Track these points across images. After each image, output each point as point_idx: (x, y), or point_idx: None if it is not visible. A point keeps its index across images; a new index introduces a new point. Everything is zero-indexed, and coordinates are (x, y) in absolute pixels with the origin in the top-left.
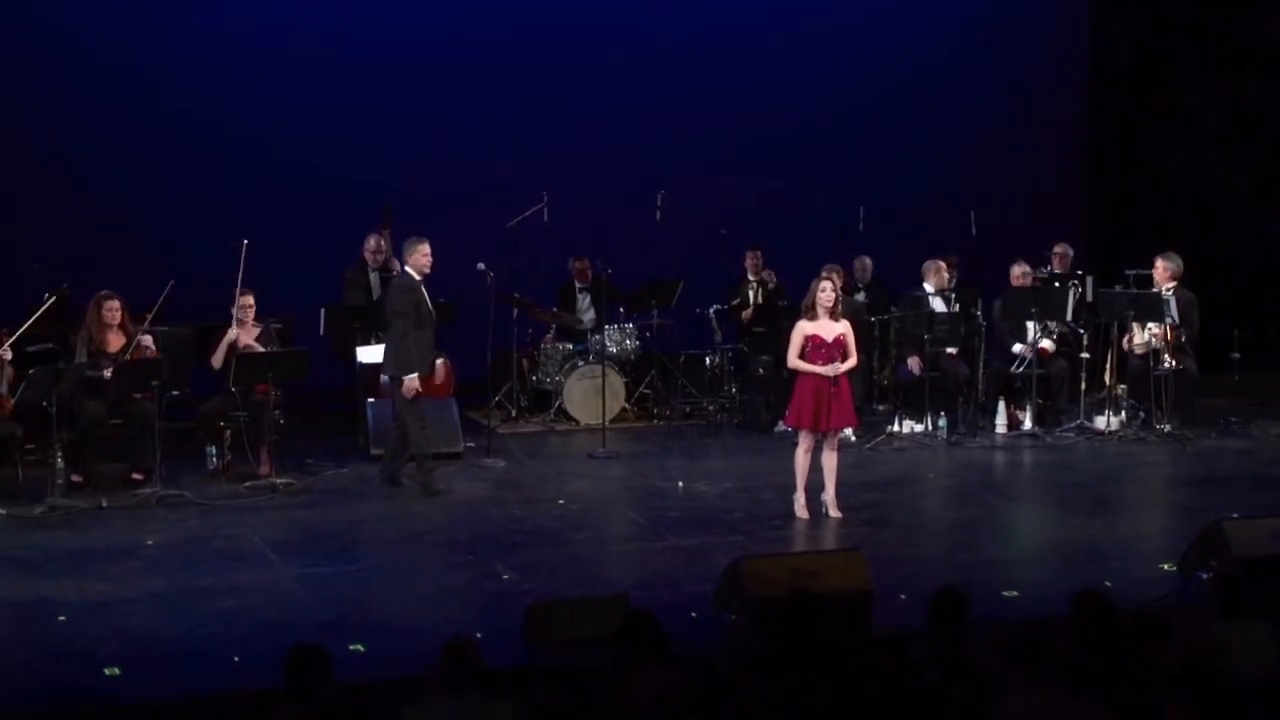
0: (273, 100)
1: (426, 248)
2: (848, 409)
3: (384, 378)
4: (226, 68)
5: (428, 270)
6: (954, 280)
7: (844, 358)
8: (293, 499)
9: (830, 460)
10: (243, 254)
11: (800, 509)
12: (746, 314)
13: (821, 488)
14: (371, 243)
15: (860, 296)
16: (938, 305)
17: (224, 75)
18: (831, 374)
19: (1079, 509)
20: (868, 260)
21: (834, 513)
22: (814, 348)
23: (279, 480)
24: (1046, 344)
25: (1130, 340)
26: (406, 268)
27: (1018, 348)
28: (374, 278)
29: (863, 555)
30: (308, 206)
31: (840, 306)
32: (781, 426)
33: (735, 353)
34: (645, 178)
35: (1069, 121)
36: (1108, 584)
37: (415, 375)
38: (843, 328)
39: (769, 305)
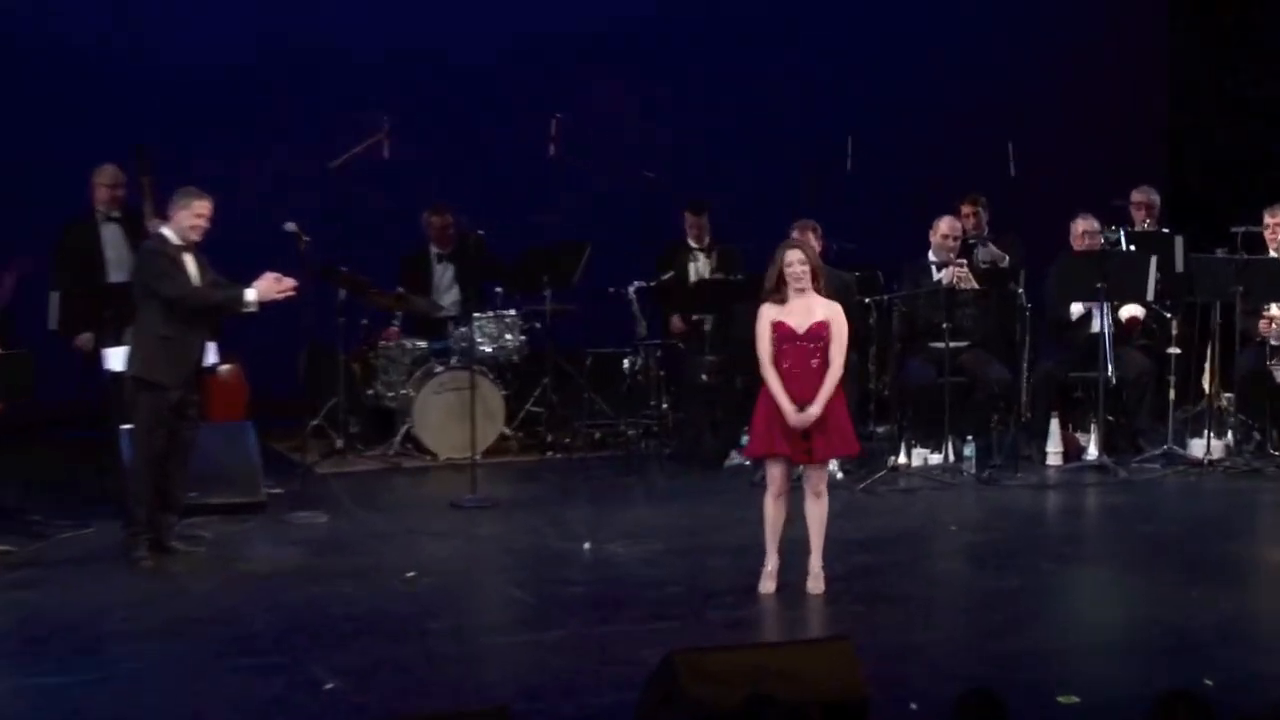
0: None
1: (202, 207)
2: (840, 431)
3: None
4: None
5: (196, 238)
6: (984, 233)
7: (824, 360)
8: (10, 574)
9: (815, 510)
10: None
11: (766, 579)
12: (676, 326)
13: (805, 548)
14: (108, 174)
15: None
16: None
17: None
18: (798, 424)
19: (1166, 574)
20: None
21: (813, 587)
22: (782, 340)
23: None
24: (1133, 309)
25: (1268, 321)
26: (164, 228)
27: (1078, 309)
28: (110, 233)
29: (853, 646)
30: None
31: (821, 280)
32: (735, 458)
33: (667, 351)
34: (534, 96)
35: (1148, 24)
36: (1208, 682)
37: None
38: (825, 312)
39: (717, 282)
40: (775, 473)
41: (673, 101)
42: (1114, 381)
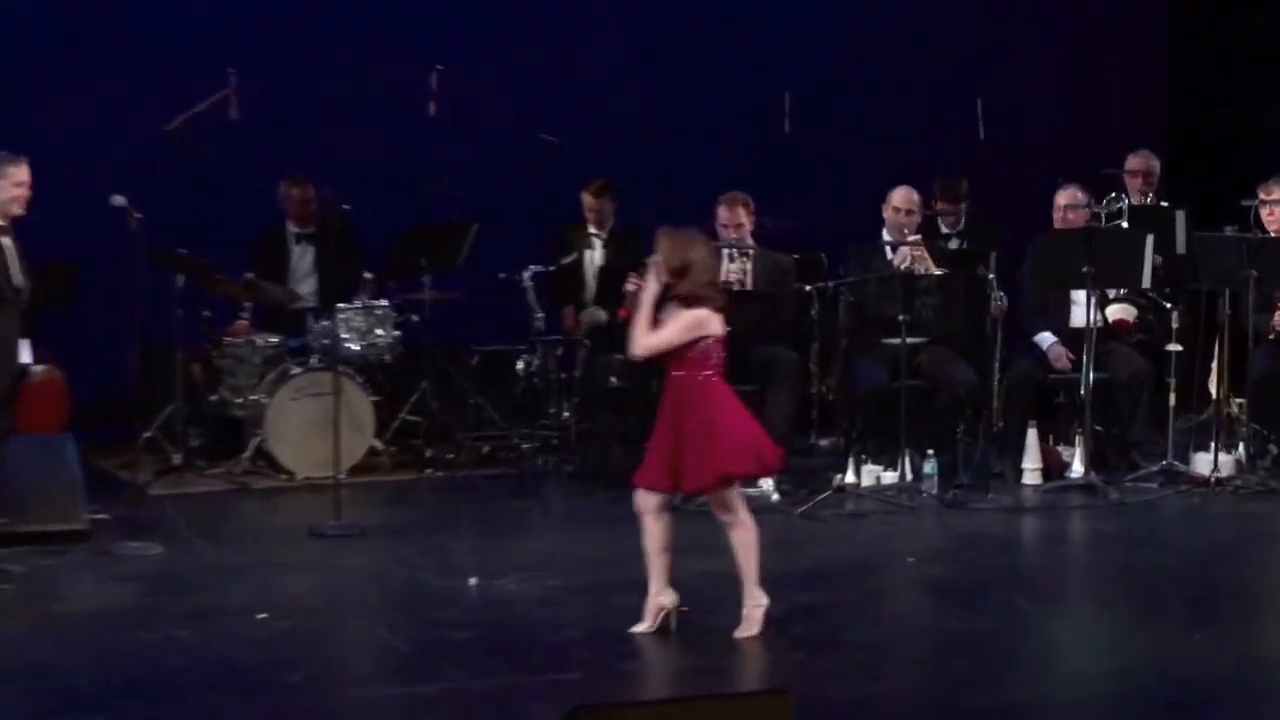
0: None
1: (20, 173)
2: (716, 456)
3: None
4: None
5: (19, 211)
6: (961, 222)
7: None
8: None
9: (734, 539)
10: None
11: (646, 618)
12: (569, 319)
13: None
14: None
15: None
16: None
17: None
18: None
19: (1165, 614)
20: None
21: (741, 630)
22: None
23: None
24: (1121, 310)
25: None
26: None
27: (1045, 340)
28: None
29: (793, 701)
30: None
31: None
32: None
33: (570, 350)
34: (412, 44)
35: None
36: None
37: None
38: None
39: (619, 270)
40: (641, 494)
41: (577, 51)
42: (1085, 398)
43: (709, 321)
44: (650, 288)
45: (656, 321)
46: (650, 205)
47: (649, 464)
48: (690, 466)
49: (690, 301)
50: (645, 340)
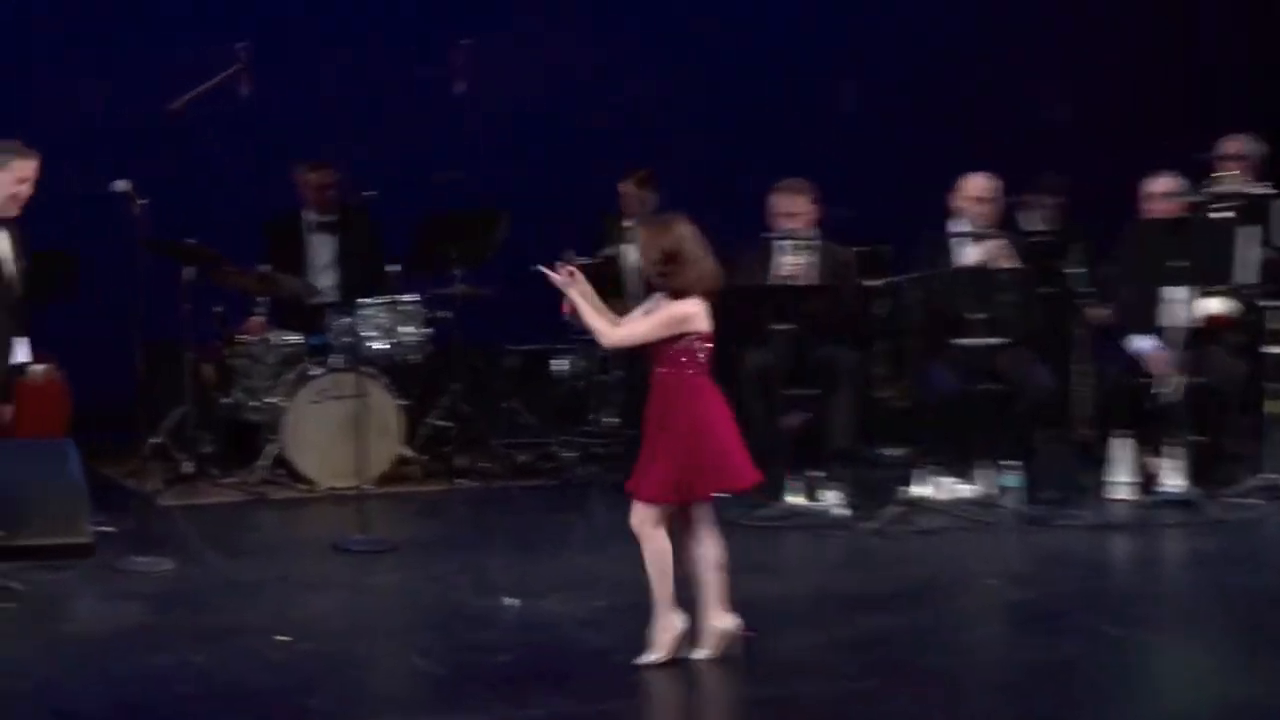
0: None
1: (25, 168)
2: (652, 469)
3: None
4: None
5: (15, 212)
6: (1055, 218)
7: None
8: None
9: (703, 548)
10: None
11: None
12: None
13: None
14: None
15: None
16: (970, 255)
17: None
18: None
19: (1269, 642)
20: None
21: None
22: None
23: None
24: (1218, 306)
25: None
26: None
27: (1144, 345)
28: None
29: None
30: None
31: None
32: None
33: (614, 349)
34: (437, 15)
35: None
36: None
37: None
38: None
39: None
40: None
41: (615, 22)
42: (1181, 405)
43: (694, 317)
44: (567, 284)
45: (623, 311)
46: (697, 194)
47: (640, 471)
48: (691, 474)
49: (680, 294)
50: (613, 333)
